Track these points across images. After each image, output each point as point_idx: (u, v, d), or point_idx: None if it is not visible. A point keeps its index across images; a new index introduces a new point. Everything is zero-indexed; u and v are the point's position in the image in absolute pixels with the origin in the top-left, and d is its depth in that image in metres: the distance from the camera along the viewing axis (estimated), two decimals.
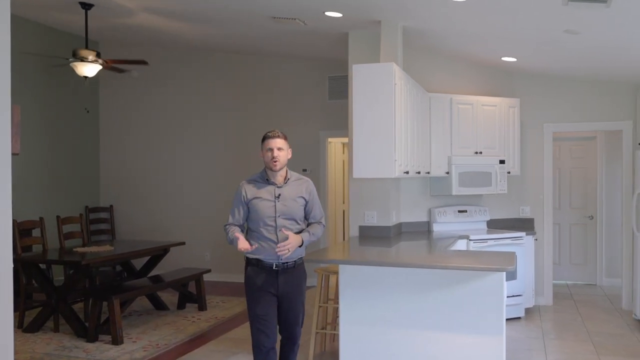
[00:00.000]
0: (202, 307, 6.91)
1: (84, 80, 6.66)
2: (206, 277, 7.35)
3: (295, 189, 3.86)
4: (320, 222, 3.98)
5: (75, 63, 6.41)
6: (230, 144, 8.84)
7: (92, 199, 9.21)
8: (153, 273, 7.23)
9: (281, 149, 3.83)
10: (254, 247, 3.74)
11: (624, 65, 6.23)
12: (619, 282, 8.15)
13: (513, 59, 6.44)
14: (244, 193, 3.87)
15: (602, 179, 8.56)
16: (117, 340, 5.47)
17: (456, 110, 6.46)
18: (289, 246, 3.66)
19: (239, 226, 3.89)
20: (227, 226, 3.89)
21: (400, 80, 4.82)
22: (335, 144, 9.32)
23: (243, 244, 3.68)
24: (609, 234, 8.51)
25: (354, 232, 5.98)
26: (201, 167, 8.98)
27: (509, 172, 6.77)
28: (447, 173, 6.43)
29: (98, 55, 6.54)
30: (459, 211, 6.68)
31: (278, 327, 3.93)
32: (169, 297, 7.34)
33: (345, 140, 9.34)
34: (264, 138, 3.90)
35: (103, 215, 9.19)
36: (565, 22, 4.74)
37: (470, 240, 6.12)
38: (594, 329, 6.11)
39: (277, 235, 3.74)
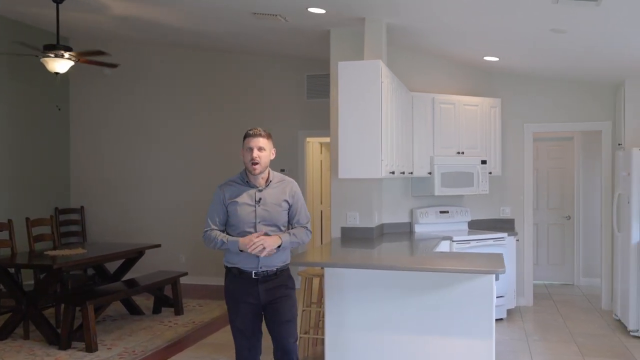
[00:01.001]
0: (178, 312, 6.71)
1: (55, 76, 6.40)
2: (182, 280, 7.14)
3: (277, 192, 3.52)
4: (306, 227, 3.63)
5: (46, 58, 6.16)
6: (206, 144, 8.64)
7: (62, 200, 8.90)
8: (127, 277, 7.01)
9: (262, 149, 3.45)
10: (260, 233, 3.43)
11: (605, 66, 6.24)
12: (597, 281, 8.21)
13: (495, 59, 6.39)
14: (222, 195, 3.52)
15: (579, 180, 8.60)
16: (91, 348, 5.25)
17: (438, 109, 6.39)
18: (263, 242, 3.31)
19: (221, 231, 3.52)
20: (209, 232, 3.50)
21: (386, 79, 4.72)
22: (313, 143, 9.19)
23: (249, 240, 3.33)
24: (586, 234, 8.56)
25: (335, 233, 5.85)
26: (176, 167, 8.75)
27: (490, 173, 6.72)
28: (430, 173, 6.35)
29: (69, 50, 6.28)
30: (441, 212, 6.61)
31: (273, 341, 3.60)
32: (144, 301, 7.12)
33: (324, 140, 9.21)
34: (245, 136, 3.52)
35: (73, 216, 8.89)
36: (552, 20, 4.70)
37: (453, 241, 6.05)
38: (576, 329, 6.09)
39: None
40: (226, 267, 3.56)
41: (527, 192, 7.21)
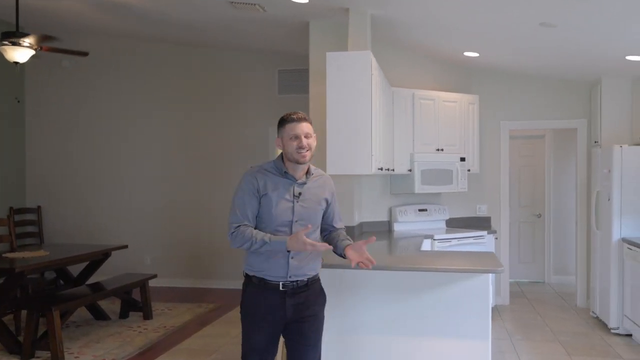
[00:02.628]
0: (147, 316, 6.37)
1: (15, 66, 5.96)
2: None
3: (318, 188, 3.00)
4: (343, 229, 3.15)
5: (5, 47, 5.73)
6: (172, 140, 8.29)
7: (17, 200, 8.40)
8: (90, 280, 6.62)
9: (310, 136, 2.89)
10: (327, 247, 2.86)
11: (582, 64, 6.22)
12: (568, 279, 8.27)
13: (475, 54, 6.29)
14: (256, 184, 2.88)
15: (550, 178, 8.63)
16: (57, 356, 4.88)
17: (418, 105, 6.25)
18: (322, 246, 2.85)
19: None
20: (242, 228, 2.86)
21: (375, 71, 4.54)
22: None
23: (307, 240, 2.73)
24: (557, 232, 8.59)
25: None
26: (140, 165, 8.37)
27: (469, 170, 6.63)
28: (410, 170, 6.20)
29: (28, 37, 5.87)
30: (420, 210, 6.48)
31: None
32: (109, 305, 6.74)
33: None
34: (285, 121, 2.92)
35: (29, 216, 8.40)
36: (542, 14, 4.60)
37: (434, 240, 5.92)
38: (557, 328, 6.05)
39: None
40: (246, 276, 2.99)
41: (503, 190, 7.16)
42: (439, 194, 6.73)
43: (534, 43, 5.57)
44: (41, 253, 5.79)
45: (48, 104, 8.58)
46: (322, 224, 3.06)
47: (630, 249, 5.49)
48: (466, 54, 6.32)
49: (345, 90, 4.42)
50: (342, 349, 4.00)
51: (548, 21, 4.72)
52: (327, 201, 3.03)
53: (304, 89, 7.73)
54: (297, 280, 2.92)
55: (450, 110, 6.50)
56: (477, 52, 6.23)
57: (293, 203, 2.89)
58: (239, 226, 2.87)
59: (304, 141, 2.85)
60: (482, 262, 4.08)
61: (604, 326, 6.01)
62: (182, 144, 8.24)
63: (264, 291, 2.91)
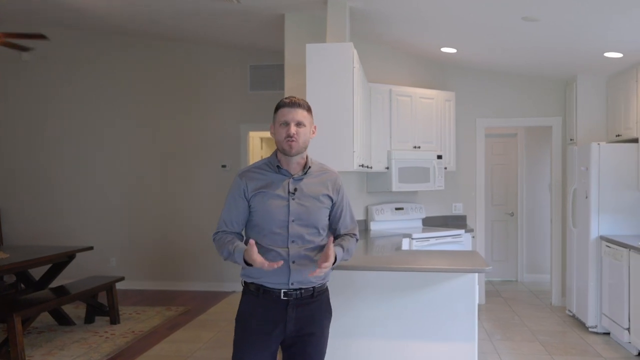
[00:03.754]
0: (114, 320, 6.08)
1: None
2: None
3: (317, 184, 2.66)
4: (355, 235, 2.79)
5: None
6: (140, 137, 7.99)
7: None
8: (54, 283, 6.31)
9: (302, 124, 2.57)
10: (278, 263, 2.46)
11: (558, 61, 6.18)
12: (541, 277, 8.27)
13: (453, 50, 6.20)
14: (244, 185, 2.61)
15: (523, 176, 8.62)
16: None
17: (395, 101, 6.12)
18: (329, 263, 2.50)
19: (237, 235, 2.66)
20: (220, 234, 2.65)
21: (357, 64, 4.38)
22: (254, 138, 8.72)
23: (258, 255, 2.44)
24: (529, 230, 8.58)
25: None
26: (106, 163, 8.04)
27: (445, 168, 6.53)
28: (387, 168, 6.07)
29: None
30: (396, 209, 6.36)
31: None
32: (74, 310, 6.44)
33: (268, 134, 8.81)
34: (278, 106, 2.63)
35: None
36: (525, 7, 4.52)
37: (412, 239, 5.79)
38: (535, 327, 5.99)
39: (289, 248, 2.56)
40: (243, 284, 2.69)
41: (479, 189, 7.09)
42: (415, 192, 6.62)
43: (514, 39, 5.50)
44: (0, 255, 5.47)
45: (5, 100, 8.18)
46: (331, 224, 2.73)
47: (609, 247, 5.46)
48: (443, 49, 6.21)
49: (325, 83, 4.25)
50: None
51: (531, 15, 4.64)
52: (330, 198, 2.66)
53: (276, 85, 7.58)
54: (301, 289, 2.58)
55: (427, 107, 6.39)
56: (455, 48, 6.13)
57: (288, 200, 2.57)
58: (218, 232, 2.66)
59: (292, 129, 2.54)
60: (468, 261, 3.95)
61: (581, 325, 5.98)
62: (150, 141, 7.96)
63: (262, 300, 2.58)
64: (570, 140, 6.67)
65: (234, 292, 7.59)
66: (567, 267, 6.55)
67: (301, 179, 2.63)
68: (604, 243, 5.59)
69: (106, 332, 5.78)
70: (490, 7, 4.65)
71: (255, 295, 2.60)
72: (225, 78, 7.88)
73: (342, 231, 2.75)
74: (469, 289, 3.90)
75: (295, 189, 2.59)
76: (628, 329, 5.05)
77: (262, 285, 2.58)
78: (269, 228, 2.57)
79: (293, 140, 2.54)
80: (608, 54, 5.48)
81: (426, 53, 6.50)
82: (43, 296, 5.44)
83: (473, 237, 6.61)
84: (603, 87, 6.47)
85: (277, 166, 2.62)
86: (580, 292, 5.99)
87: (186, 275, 7.85)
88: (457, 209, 7.06)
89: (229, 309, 6.78)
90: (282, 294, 2.56)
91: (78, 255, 6.26)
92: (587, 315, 5.78)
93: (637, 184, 5.62)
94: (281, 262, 2.47)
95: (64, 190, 8.09)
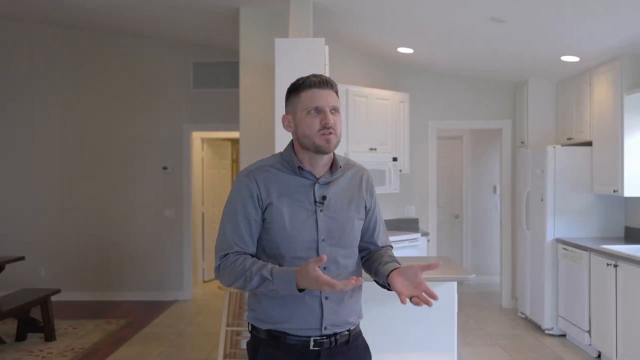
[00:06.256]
0: (49, 337, 5.56)
1: None
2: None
3: (349, 188, 2.00)
4: (391, 248, 2.17)
5: None
6: (73, 137, 7.42)
7: None
8: None
9: (336, 112, 1.91)
10: (357, 280, 1.72)
11: (509, 65, 6.22)
12: (486, 279, 8.33)
13: (410, 50, 6.08)
14: (256, 189, 1.89)
15: (468, 179, 8.65)
16: None
17: (352, 102, 5.93)
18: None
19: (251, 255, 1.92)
20: (231, 257, 1.87)
21: (328, 62, 4.15)
22: (194, 139, 8.32)
23: (323, 276, 1.69)
24: (474, 232, 8.63)
25: None
26: (35, 165, 7.41)
27: (400, 170, 6.41)
28: None
29: None
30: None
31: None
32: (2, 326, 5.86)
33: (214, 135, 8.51)
34: (299, 87, 1.91)
35: None
36: (492, 8, 4.44)
37: None
38: (492, 331, 5.96)
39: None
40: (253, 329, 1.97)
41: (431, 191, 7.03)
42: None
43: (475, 40, 5.46)
44: None
45: None
46: (362, 236, 2.05)
47: (566, 249, 5.49)
48: (400, 49, 6.09)
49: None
50: None
51: (499, 16, 4.56)
52: (365, 206, 2.02)
53: (222, 83, 7.26)
54: (336, 334, 1.92)
55: (382, 108, 6.25)
56: (412, 48, 6.02)
57: (315, 213, 1.90)
58: (226, 255, 1.88)
59: (330, 117, 1.86)
60: (447, 269, 3.82)
61: (536, 327, 5.99)
62: (84, 141, 7.41)
63: (285, 354, 1.89)
64: (522, 143, 6.71)
65: (176, 301, 7.18)
66: (518, 270, 6.58)
67: (329, 183, 1.95)
68: (561, 245, 5.62)
69: (42, 350, 5.26)
70: (459, 6, 4.54)
71: (273, 347, 1.89)
72: (167, 75, 7.46)
73: (379, 242, 2.08)
74: (449, 298, 3.78)
75: (324, 197, 1.92)
76: (589, 332, 5.08)
77: (284, 333, 1.89)
78: (292, 251, 1.87)
79: (332, 133, 1.86)
80: (565, 58, 5.51)
81: (383, 53, 6.36)
82: None
83: (428, 240, 6.53)
84: (553, 92, 6.54)
85: (299, 167, 1.93)
86: (535, 295, 6.01)
87: (124, 284, 7.35)
88: (410, 212, 6.96)
89: (174, 320, 6.39)
90: (311, 343, 1.89)
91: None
92: (543, 318, 5.80)
93: (591, 186, 5.69)
94: (352, 279, 1.73)
95: None
